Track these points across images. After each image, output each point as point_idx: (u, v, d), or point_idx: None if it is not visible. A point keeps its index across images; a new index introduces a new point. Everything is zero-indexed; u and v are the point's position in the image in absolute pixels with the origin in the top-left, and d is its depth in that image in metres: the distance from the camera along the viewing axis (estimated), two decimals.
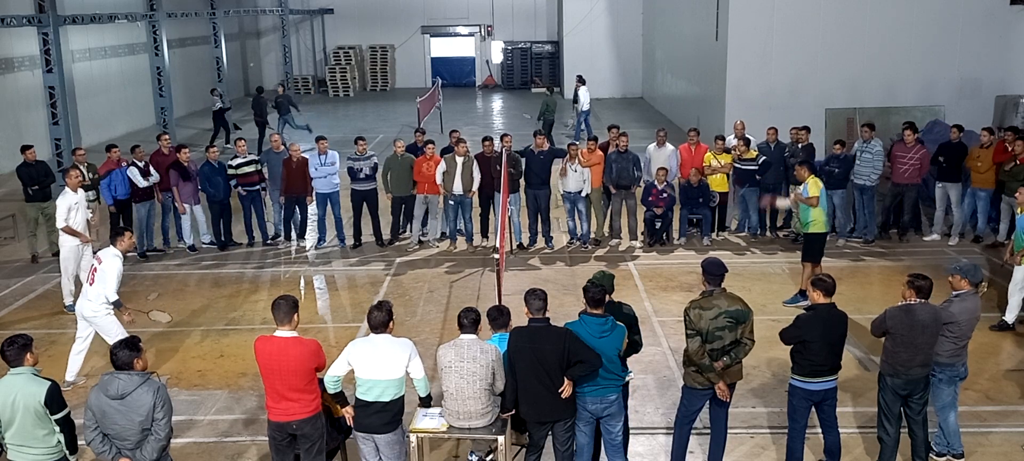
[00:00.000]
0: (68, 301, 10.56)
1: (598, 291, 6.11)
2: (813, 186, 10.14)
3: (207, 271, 12.26)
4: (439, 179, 12.40)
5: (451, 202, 12.58)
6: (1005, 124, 16.23)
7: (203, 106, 23.61)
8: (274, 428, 5.99)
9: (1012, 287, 9.49)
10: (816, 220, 10.17)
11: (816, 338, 6.28)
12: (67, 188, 10.31)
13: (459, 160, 12.34)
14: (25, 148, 12.52)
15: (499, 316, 6.59)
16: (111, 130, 22.79)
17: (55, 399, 5.39)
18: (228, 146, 13.46)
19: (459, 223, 12.89)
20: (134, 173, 12.33)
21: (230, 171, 12.72)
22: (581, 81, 22.16)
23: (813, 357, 6.33)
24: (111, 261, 8.18)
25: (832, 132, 14.80)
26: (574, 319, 6.26)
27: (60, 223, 10.22)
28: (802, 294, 10.19)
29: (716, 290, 6.34)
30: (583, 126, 21.67)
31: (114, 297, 8.21)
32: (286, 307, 5.88)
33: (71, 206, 10.22)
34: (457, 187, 12.34)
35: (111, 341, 7.81)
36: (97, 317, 8.32)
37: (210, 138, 21.52)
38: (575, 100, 22.27)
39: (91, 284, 8.32)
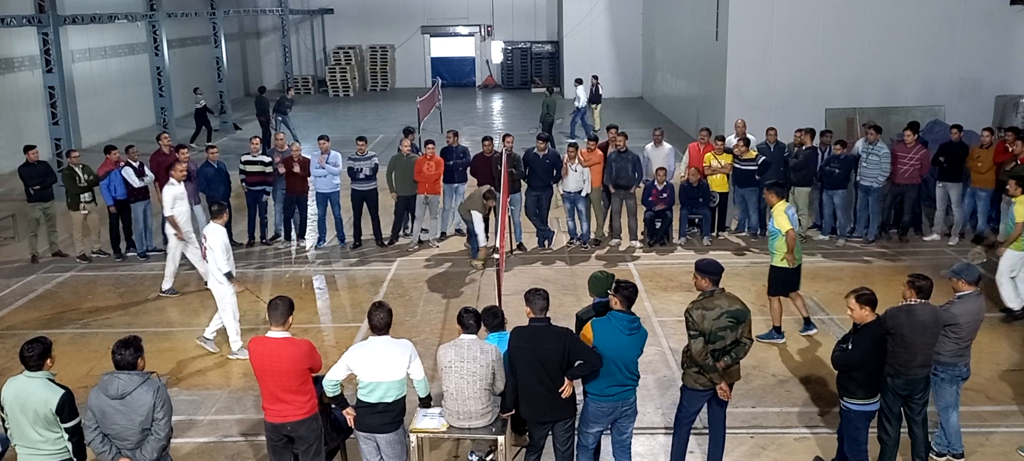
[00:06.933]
0: (166, 284, 11.28)
1: (633, 291, 6.08)
2: (780, 217, 8.88)
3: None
4: (480, 227, 11.79)
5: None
6: (1005, 124, 16.24)
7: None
8: (270, 429, 6.00)
9: (999, 276, 9.71)
10: (779, 250, 8.96)
11: (874, 358, 6.16)
12: (173, 178, 10.90)
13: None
14: (28, 148, 12.53)
15: (494, 318, 6.60)
16: (111, 130, 22.83)
17: (66, 407, 5.37)
18: (211, 145, 13.50)
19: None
20: (129, 173, 12.33)
21: (241, 167, 12.85)
22: (578, 81, 22.98)
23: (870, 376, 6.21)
24: (214, 235, 8.89)
25: (832, 130, 14.81)
26: (572, 320, 6.25)
27: (166, 212, 10.88)
28: (777, 331, 9.31)
29: (716, 290, 6.34)
30: (579, 122, 22.26)
31: (226, 267, 8.92)
32: (283, 308, 5.89)
33: (176, 196, 10.84)
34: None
35: (224, 313, 9.09)
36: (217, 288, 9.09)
37: (191, 136, 21.89)
38: (577, 99, 22.75)
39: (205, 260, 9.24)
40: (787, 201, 9.24)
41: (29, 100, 19.96)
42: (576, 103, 22.36)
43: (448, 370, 6.06)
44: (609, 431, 6.43)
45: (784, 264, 8.98)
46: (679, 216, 13.10)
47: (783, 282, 9.14)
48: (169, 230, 11.01)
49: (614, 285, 6.20)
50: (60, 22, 17.45)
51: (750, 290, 10.76)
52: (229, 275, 8.94)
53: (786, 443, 7.32)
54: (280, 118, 22.03)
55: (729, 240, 13.10)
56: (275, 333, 5.86)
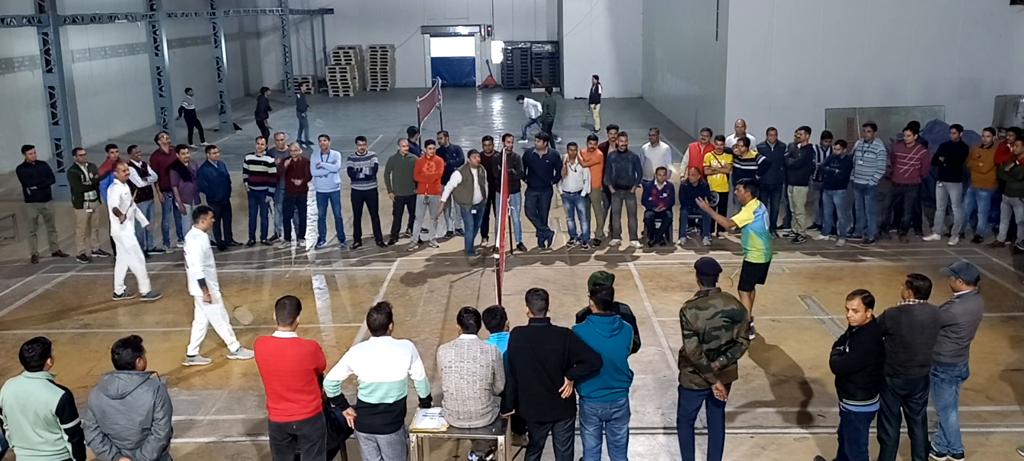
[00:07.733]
0: (118, 290, 11.19)
1: (607, 293, 6.07)
2: (742, 213, 9.10)
3: None
4: (447, 192, 12.08)
5: (474, 211, 12.37)
6: (1005, 124, 16.23)
7: (203, 106, 23.75)
8: (274, 428, 6.01)
9: None
10: (753, 247, 9.13)
11: (873, 360, 6.16)
12: (116, 180, 10.95)
13: (474, 172, 12.11)
14: (26, 148, 12.53)
15: (494, 318, 6.60)
16: (111, 130, 22.83)
17: (67, 408, 5.36)
18: (211, 145, 13.55)
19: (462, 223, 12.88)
20: (131, 173, 12.31)
21: (245, 166, 12.89)
22: (539, 91, 23.86)
23: (870, 377, 6.21)
24: (192, 242, 8.68)
25: (832, 132, 14.81)
26: (572, 320, 6.24)
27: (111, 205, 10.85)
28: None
29: (711, 290, 6.34)
30: (525, 131, 22.02)
31: (199, 275, 8.72)
32: (290, 307, 5.89)
33: (122, 196, 10.84)
34: (477, 196, 12.14)
35: (212, 318, 8.99)
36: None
37: (187, 136, 21.99)
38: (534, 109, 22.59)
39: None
40: (761, 202, 9.29)
41: (29, 100, 19.96)
42: (531, 114, 21.91)
43: (448, 370, 6.06)
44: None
45: (755, 259, 9.15)
46: (679, 216, 13.11)
47: (754, 277, 9.32)
48: (118, 234, 10.87)
49: (590, 290, 6.19)
50: (60, 22, 17.46)
51: None
52: (201, 283, 8.74)
53: (786, 443, 7.33)
54: (302, 115, 22.55)
55: (729, 240, 13.10)
56: (281, 333, 5.87)
